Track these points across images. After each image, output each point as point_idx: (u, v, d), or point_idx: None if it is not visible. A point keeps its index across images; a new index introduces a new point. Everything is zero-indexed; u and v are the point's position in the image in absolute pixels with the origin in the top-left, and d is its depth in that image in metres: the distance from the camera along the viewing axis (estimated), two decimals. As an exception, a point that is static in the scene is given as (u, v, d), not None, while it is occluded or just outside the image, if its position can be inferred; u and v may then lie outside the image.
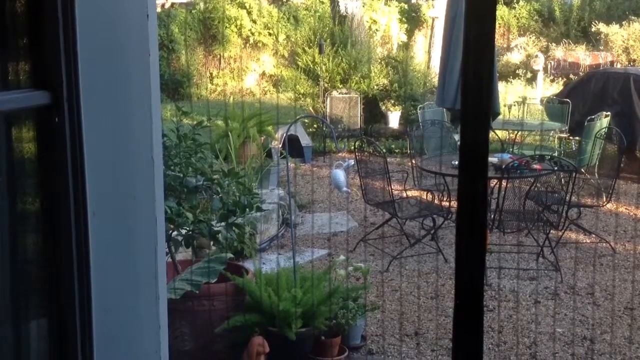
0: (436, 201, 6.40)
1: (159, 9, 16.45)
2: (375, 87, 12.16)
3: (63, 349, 1.36)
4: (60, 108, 1.29)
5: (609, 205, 6.78)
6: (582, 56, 16.31)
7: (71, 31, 1.29)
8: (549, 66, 16.06)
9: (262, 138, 9.22)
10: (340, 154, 10.19)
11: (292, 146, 8.80)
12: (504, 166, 5.94)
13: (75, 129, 1.31)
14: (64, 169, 1.30)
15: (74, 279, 1.33)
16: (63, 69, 1.29)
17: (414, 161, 7.32)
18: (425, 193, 6.78)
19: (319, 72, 11.98)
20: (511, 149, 8.27)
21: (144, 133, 1.52)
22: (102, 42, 1.40)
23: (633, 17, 16.61)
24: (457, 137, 7.97)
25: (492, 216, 5.88)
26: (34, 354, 1.45)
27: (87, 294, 1.35)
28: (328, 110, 11.47)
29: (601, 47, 16.68)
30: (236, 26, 17.34)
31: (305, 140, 10.20)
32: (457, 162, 6.17)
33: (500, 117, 8.95)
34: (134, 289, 1.53)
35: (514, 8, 18.99)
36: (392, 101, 11.95)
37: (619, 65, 15.35)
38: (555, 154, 7.99)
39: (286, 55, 17.28)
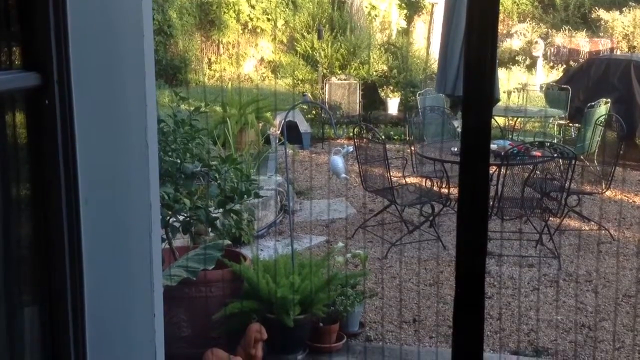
0: (435, 188, 6.38)
1: (156, -6, 16.34)
2: (375, 73, 12.11)
3: (55, 338, 1.33)
4: (50, 90, 1.25)
5: (608, 193, 6.76)
6: (582, 43, 16.25)
7: (62, 10, 1.25)
8: (549, 53, 16.01)
9: (261, 124, 9.18)
10: (339, 141, 10.16)
11: (291, 132, 8.77)
12: (503, 153, 5.91)
13: (65, 112, 1.27)
14: (55, 153, 1.27)
15: (65, 266, 1.30)
16: (53, 49, 1.25)
17: (413, 148, 7.30)
18: (424, 180, 6.75)
19: (318, 58, 11.92)
20: (511, 136, 8.24)
21: (138, 117, 1.49)
22: (94, 22, 1.36)
23: (633, 4, 16.53)
24: (456, 123, 7.94)
25: (492, 203, 5.86)
26: (26, 344, 1.42)
27: (79, 282, 1.32)
28: (327, 96, 11.41)
29: (601, 34, 16.61)
30: (234, 11, 17.24)
31: (303, 127, 10.16)
32: (456, 149, 6.16)
33: (500, 103, 8.93)
34: (128, 276, 1.50)
35: (514, -6, 18.90)
36: (391, 87, 11.90)
37: (619, 52, 15.29)
38: (555, 141, 7.96)
39: (285, 40, 17.19)
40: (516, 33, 17.76)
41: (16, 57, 1.29)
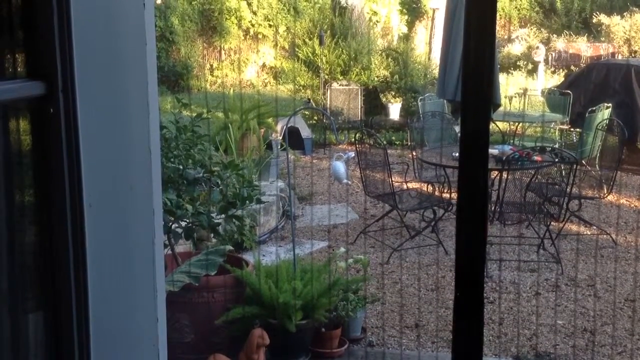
0: (437, 193, 6.39)
1: (158, 0, 16.40)
2: (376, 78, 12.13)
3: (59, 343, 1.34)
4: (55, 98, 1.27)
5: (609, 197, 6.76)
6: (583, 47, 16.25)
7: (66, 20, 1.27)
8: (550, 57, 16.00)
9: (262, 130, 9.19)
10: (340, 146, 10.17)
11: (292, 138, 8.78)
12: (504, 158, 5.92)
13: (70, 120, 1.29)
14: (59, 160, 1.28)
15: (70, 271, 1.32)
16: (58, 58, 1.27)
17: (414, 153, 7.31)
18: (425, 185, 6.76)
19: (320, 64, 11.94)
20: (512, 141, 8.25)
21: (141, 123, 1.50)
22: (98, 31, 1.38)
23: (634, 8, 16.54)
24: (457, 128, 7.94)
25: (493, 208, 5.87)
26: (30, 348, 1.43)
27: (83, 287, 1.33)
28: (328, 102, 11.43)
29: (602, 39, 16.62)
30: (236, 18, 17.29)
31: (305, 132, 10.18)
32: (457, 154, 6.17)
33: (501, 108, 8.93)
34: (131, 281, 1.51)
35: (515, -1, 18.92)
36: (393, 93, 11.92)
37: (620, 57, 15.30)
38: (556, 146, 7.97)
39: (286, 46, 17.23)
40: (517, 38, 17.76)
41: (21, 66, 1.31)
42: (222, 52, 17.43)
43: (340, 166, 7.18)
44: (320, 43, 11.97)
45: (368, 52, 12.52)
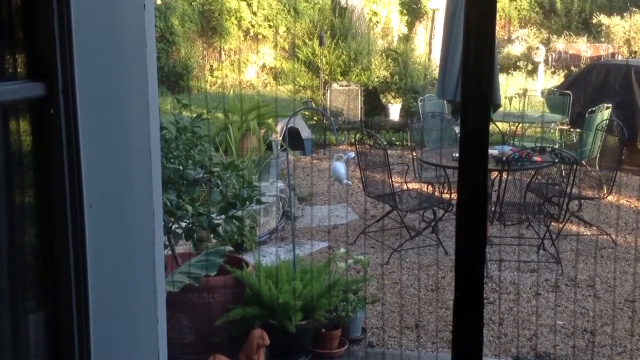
0: (437, 193, 6.39)
1: (158, 1, 16.41)
2: (376, 79, 12.14)
3: (59, 343, 1.34)
4: (55, 99, 1.27)
5: (609, 198, 6.77)
6: (583, 48, 16.26)
7: (66, 21, 1.27)
8: (550, 58, 16.01)
9: (262, 131, 9.20)
10: (340, 147, 10.17)
11: (293, 139, 8.79)
12: (504, 158, 5.92)
13: (70, 121, 1.29)
14: (60, 161, 1.29)
15: (70, 272, 1.32)
16: (58, 59, 1.27)
17: (414, 153, 7.31)
18: (425, 185, 6.77)
19: (320, 65, 11.95)
20: (512, 141, 8.25)
21: (141, 124, 1.51)
22: (98, 32, 1.38)
23: (634, 9, 16.55)
24: (457, 129, 7.94)
25: (493, 208, 5.88)
26: (31, 349, 1.44)
27: (83, 288, 1.33)
28: (328, 102, 11.44)
29: (602, 39, 16.62)
30: (236, 18, 17.30)
31: (305, 133, 10.18)
32: (457, 155, 6.17)
33: (501, 109, 8.94)
34: (132, 282, 1.51)
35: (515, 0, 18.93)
36: (393, 93, 11.93)
37: (620, 57, 15.30)
38: (556, 146, 7.97)
39: (286, 47, 17.24)
40: (517, 39, 17.77)
41: (21, 67, 1.32)
42: (222, 52, 17.44)
43: (340, 167, 7.18)
44: (320, 44, 11.98)
45: (368, 52, 12.53)
